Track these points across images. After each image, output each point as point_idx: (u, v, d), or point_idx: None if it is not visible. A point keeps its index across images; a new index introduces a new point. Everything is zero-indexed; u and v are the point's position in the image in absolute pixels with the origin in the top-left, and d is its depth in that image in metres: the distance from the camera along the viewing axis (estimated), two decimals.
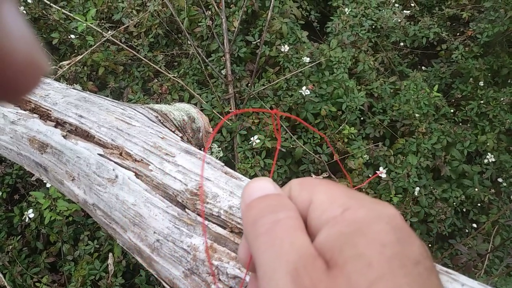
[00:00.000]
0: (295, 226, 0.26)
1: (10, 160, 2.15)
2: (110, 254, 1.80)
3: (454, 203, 2.10)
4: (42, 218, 1.88)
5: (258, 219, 0.27)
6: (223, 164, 0.59)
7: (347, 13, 2.53)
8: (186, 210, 0.53)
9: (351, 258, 0.22)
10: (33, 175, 1.96)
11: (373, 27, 2.63)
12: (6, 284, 1.72)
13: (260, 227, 0.26)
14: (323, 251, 0.24)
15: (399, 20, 2.64)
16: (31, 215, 1.87)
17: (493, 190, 2.14)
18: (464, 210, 2.16)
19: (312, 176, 1.95)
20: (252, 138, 2.05)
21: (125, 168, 0.62)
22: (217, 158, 1.92)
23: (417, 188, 2.05)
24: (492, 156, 2.17)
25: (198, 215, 0.52)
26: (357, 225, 0.24)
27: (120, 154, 0.64)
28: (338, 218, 0.25)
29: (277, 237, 0.25)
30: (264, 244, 0.25)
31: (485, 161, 2.18)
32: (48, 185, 1.86)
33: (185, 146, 0.64)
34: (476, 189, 2.10)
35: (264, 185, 0.30)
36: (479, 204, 2.14)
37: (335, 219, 0.25)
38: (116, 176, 0.61)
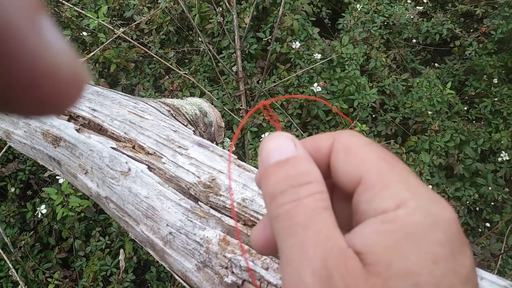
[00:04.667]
0: (321, 208, 0.22)
1: (23, 156, 2.17)
2: (121, 250, 1.81)
3: (467, 202, 2.07)
4: (54, 214, 1.89)
5: (276, 195, 0.23)
6: (236, 157, 0.59)
7: (359, 9, 2.50)
8: (199, 202, 0.53)
9: (398, 274, 0.20)
10: (46, 171, 1.98)
11: (385, 23, 2.61)
12: (18, 279, 1.74)
13: (279, 207, 0.23)
14: (366, 251, 0.21)
15: (411, 17, 2.61)
16: (44, 211, 1.89)
17: (507, 189, 2.10)
18: (477, 209, 2.13)
19: None
20: (263, 135, 2.04)
21: (138, 161, 0.62)
22: None
23: (430, 187, 2.03)
24: (506, 154, 2.13)
25: (211, 207, 0.52)
26: (411, 232, 0.21)
27: (133, 147, 0.64)
28: (390, 216, 0.22)
29: (299, 223, 0.22)
30: (285, 230, 0.22)
31: (499, 159, 2.15)
32: (60, 181, 1.87)
33: (198, 139, 0.63)
34: (490, 188, 2.07)
35: (283, 144, 0.25)
36: (492, 203, 2.11)
37: (386, 215, 0.22)
38: (129, 169, 0.61)
